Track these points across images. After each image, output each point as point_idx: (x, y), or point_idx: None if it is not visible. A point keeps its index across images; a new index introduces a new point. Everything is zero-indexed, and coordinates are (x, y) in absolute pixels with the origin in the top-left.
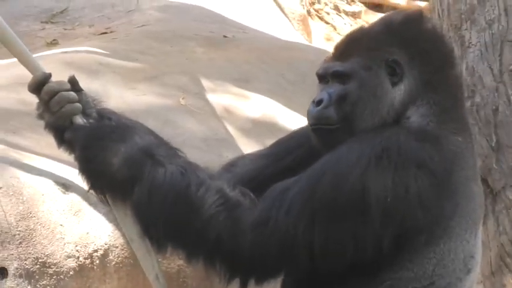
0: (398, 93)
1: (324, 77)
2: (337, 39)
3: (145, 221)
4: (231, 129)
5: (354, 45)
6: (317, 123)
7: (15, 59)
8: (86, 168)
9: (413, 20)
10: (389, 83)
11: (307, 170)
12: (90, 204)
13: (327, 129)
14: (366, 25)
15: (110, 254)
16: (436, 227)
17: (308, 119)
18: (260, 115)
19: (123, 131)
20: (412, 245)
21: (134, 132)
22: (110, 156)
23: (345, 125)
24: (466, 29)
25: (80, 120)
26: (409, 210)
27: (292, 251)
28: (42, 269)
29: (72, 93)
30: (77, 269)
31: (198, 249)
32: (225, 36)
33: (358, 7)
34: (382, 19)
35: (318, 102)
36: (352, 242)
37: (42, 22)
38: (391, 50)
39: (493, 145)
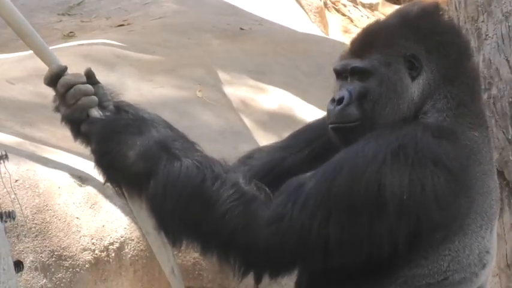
0: (417, 87)
1: (342, 74)
2: (354, 31)
3: (161, 214)
4: (247, 121)
5: (371, 40)
6: (338, 122)
7: (31, 52)
8: (102, 161)
9: (430, 12)
10: (408, 78)
11: (323, 165)
12: (106, 197)
13: (348, 127)
14: (382, 18)
15: (126, 247)
16: (452, 224)
17: (328, 117)
18: (276, 107)
19: (139, 124)
20: (428, 242)
21: (151, 125)
22: (126, 149)
23: (366, 122)
24: (482, 21)
25: (96, 113)
26: (425, 208)
27: (307, 246)
28: (58, 262)
29: (89, 86)
30: (92, 261)
31: (212, 243)
32: (241, 29)
33: None
34: (397, 11)
35: (339, 101)
36: (368, 238)
37: (59, 14)
38: (408, 44)
39: (510, 137)
